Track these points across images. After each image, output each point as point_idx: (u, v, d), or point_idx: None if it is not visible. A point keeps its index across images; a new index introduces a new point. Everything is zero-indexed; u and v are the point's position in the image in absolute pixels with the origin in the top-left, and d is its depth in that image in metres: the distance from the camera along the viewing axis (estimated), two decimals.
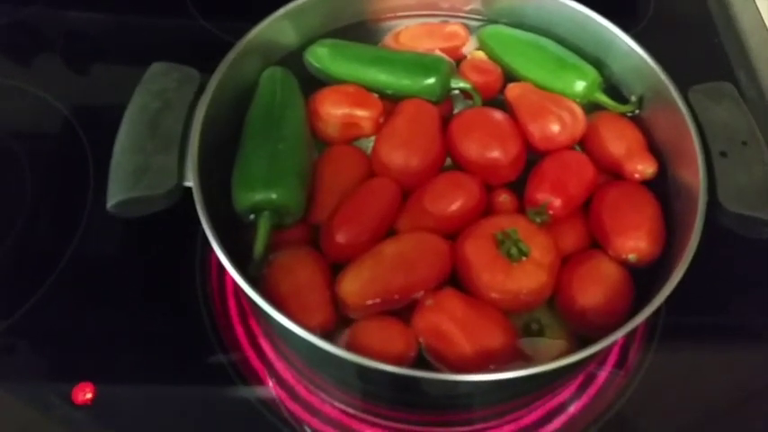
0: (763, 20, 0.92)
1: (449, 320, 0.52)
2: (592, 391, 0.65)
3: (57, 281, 0.67)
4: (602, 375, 0.66)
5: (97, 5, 0.91)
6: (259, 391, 0.63)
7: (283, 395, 0.63)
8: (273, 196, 0.55)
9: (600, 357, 0.66)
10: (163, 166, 0.54)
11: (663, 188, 0.62)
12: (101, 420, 0.61)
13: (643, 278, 0.57)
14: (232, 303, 0.68)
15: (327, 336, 0.52)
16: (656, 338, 0.67)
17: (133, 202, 0.53)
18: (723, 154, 0.58)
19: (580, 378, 0.65)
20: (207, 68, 0.61)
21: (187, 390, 0.64)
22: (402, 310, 0.55)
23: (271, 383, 0.64)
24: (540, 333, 0.56)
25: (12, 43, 0.88)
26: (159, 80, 0.58)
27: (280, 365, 0.64)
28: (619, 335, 0.49)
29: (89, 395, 0.62)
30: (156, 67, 0.59)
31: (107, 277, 0.69)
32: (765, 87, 0.86)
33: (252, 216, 0.56)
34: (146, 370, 0.64)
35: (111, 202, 0.53)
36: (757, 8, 0.94)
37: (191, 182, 0.54)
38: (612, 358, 0.67)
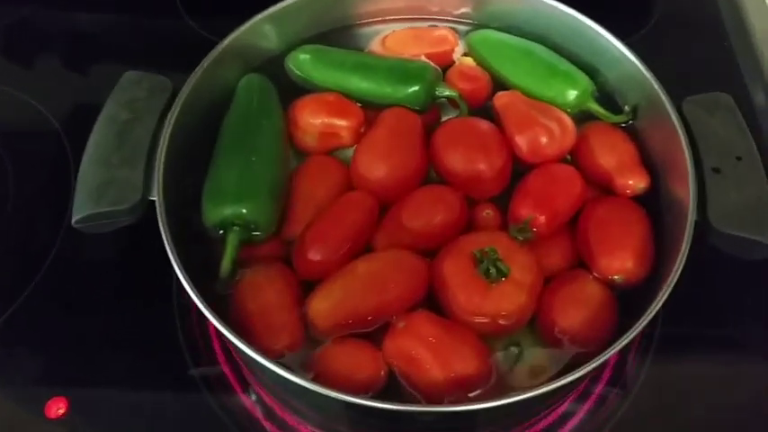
0: None
1: (420, 345, 0.50)
2: (587, 405, 0.63)
3: (34, 291, 0.66)
4: (598, 389, 0.63)
5: (95, 5, 0.90)
6: (233, 406, 0.61)
7: (258, 411, 0.62)
8: (243, 211, 0.54)
9: (594, 372, 0.64)
10: (128, 179, 0.53)
11: (656, 203, 0.59)
12: None
13: (630, 296, 0.55)
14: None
15: (294, 358, 0.50)
16: (653, 350, 0.64)
17: (98, 216, 0.52)
18: (716, 170, 0.56)
19: (574, 393, 0.63)
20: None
21: (160, 404, 0.62)
22: (376, 332, 0.53)
23: (245, 398, 0.62)
24: (519, 357, 0.53)
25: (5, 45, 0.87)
26: (130, 90, 0.57)
27: (254, 381, 0.63)
28: (593, 366, 0.47)
29: (62, 410, 0.61)
30: (128, 77, 0.58)
31: (84, 288, 0.67)
32: None
33: (221, 231, 0.55)
34: (120, 383, 0.63)
35: (76, 217, 0.52)
36: None
37: (156, 196, 0.52)
38: (607, 372, 0.64)
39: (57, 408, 0.61)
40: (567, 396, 0.62)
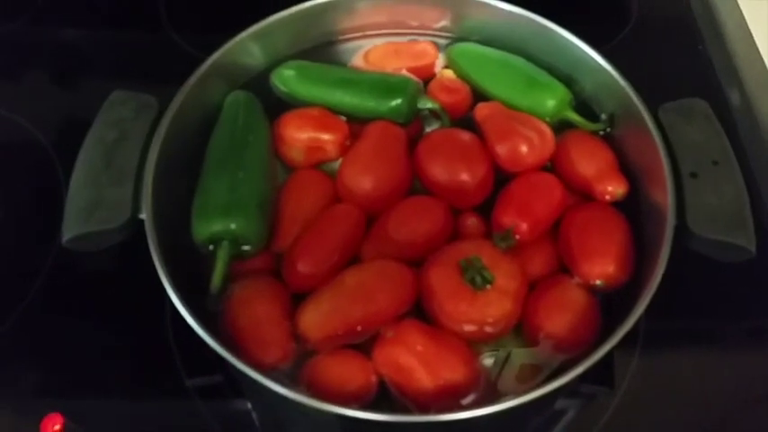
0: (747, 25, 0.90)
1: (409, 354, 0.51)
2: (576, 403, 0.63)
3: (27, 309, 0.66)
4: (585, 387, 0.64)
5: (81, 21, 0.90)
6: (229, 415, 0.62)
7: (255, 419, 0.62)
8: (232, 226, 0.54)
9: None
10: (116, 199, 0.53)
11: (634, 209, 0.61)
12: None
13: (612, 300, 0.56)
14: None
15: (286, 371, 0.51)
16: (639, 345, 0.64)
17: (88, 236, 0.53)
18: (693, 175, 0.57)
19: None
20: None
21: (157, 416, 0.62)
22: (366, 343, 0.54)
23: (241, 407, 0.62)
24: (506, 362, 0.55)
25: None
26: (117, 110, 0.58)
27: (248, 391, 0.63)
28: (581, 369, 0.48)
29: (57, 426, 0.61)
30: (114, 96, 0.59)
31: (77, 305, 0.67)
32: (751, 96, 0.84)
33: (211, 247, 0.55)
34: (117, 397, 0.63)
35: (66, 237, 0.53)
36: (742, 13, 0.92)
37: (145, 215, 0.53)
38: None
39: (53, 425, 0.61)
40: (555, 399, 0.63)
